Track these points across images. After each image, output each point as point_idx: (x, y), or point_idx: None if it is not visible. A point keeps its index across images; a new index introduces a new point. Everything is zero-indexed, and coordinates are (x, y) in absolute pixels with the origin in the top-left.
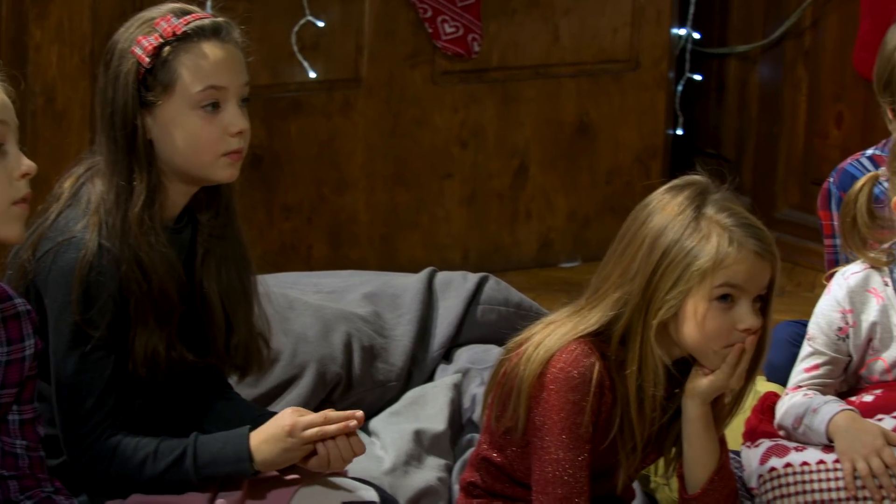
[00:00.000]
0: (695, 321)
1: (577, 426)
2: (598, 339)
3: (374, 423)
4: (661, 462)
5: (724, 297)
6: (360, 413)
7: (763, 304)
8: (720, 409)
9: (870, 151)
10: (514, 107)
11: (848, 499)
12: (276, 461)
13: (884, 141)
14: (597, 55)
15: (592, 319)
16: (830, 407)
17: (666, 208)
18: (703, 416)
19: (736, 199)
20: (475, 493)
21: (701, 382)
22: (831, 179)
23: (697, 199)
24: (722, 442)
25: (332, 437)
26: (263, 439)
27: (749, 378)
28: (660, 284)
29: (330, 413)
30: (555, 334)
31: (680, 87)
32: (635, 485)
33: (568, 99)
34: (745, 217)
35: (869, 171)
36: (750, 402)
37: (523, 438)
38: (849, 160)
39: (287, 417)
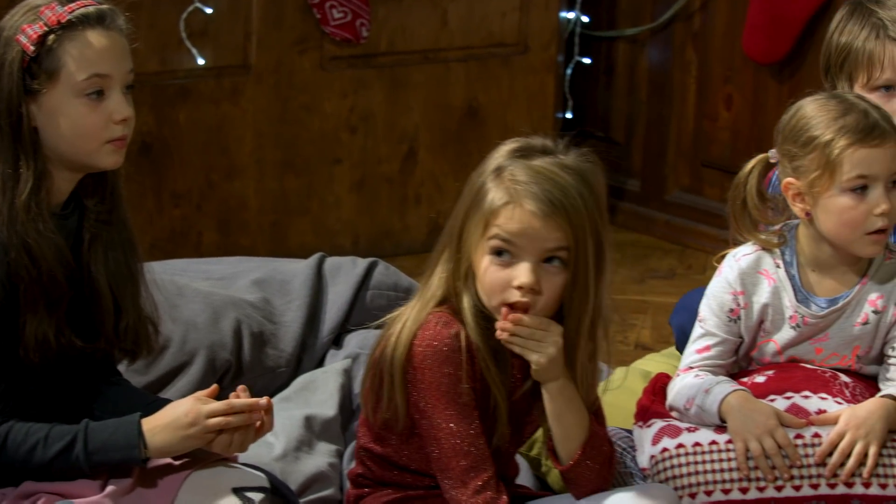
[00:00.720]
0: (479, 272)
1: (460, 396)
2: (453, 305)
3: None
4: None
5: (499, 252)
6: (263, 401)
7: (575, 267)
8: (582, 373)
9: None
10: (402, 92)
11: (740, 479)
12: (175, 448)
13: None
14: (485, 39)
15: (434, 285)
16: (722, 387)
17: (489, 161)
18: (560, 392)
19: (567, 167)
20: (364, 484)
21: (532, 366)
22: None
23: (515, 153)
24: (598, 411)
25: (237, 427)
26: (162, 426)
27: (591, 336)
28: (463, 237)
29: (235, 402)
30: (413, 313)
31: (569, 71)
32: (525, 468)
33: (457, 83)
34: (544, 178)
35: None
36: (642, 384)
37: (406, 426)
38: None
39: (189, 405)
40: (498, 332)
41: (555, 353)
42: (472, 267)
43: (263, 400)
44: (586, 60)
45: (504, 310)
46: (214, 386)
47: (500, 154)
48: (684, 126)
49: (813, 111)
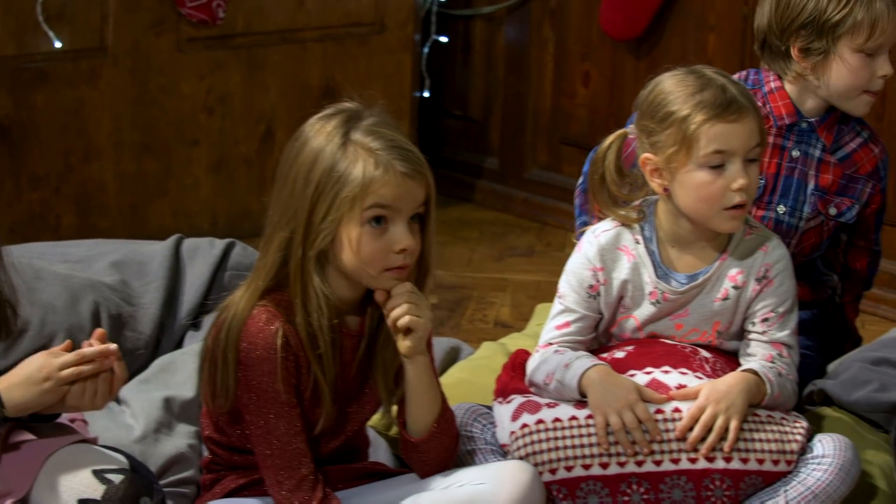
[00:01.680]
0: (350, 247)
1: (278, 394)
2: (281, 295)
3: (124, 391)
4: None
5: (377, 220)
6: (114, 346)
7: (422, 224)
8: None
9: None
10: (259, 72)
11: (601, 454)
12: (32, 404)
13: (745, 71)
14: (342, 19)
15: (267, 267)
16: (582, 362)
17: (316, 138)
18: (425, 370)
19: (389, 123)
20: (215, 469)
21: (407, 343)
22: None
23: (346, 125)
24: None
25: (89, 376)
26: (16, 383)
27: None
28: (315, 215)
29: (85, 351)
30: (243, 298)
31: (426, 50)
32: (384, 447)
33: (314, 63)
34: (394, 139)
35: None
36: (501, 359)
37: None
38: None
39: (42, 360)
40: (391, 303)
41: (431, 317)
42: (335, 246)
43: (113, 346)
44: (443, 39)
45: (390, 275)
46: (68, 341)
47: (324, 130)
48: (542, 104)
49: (671, 86)
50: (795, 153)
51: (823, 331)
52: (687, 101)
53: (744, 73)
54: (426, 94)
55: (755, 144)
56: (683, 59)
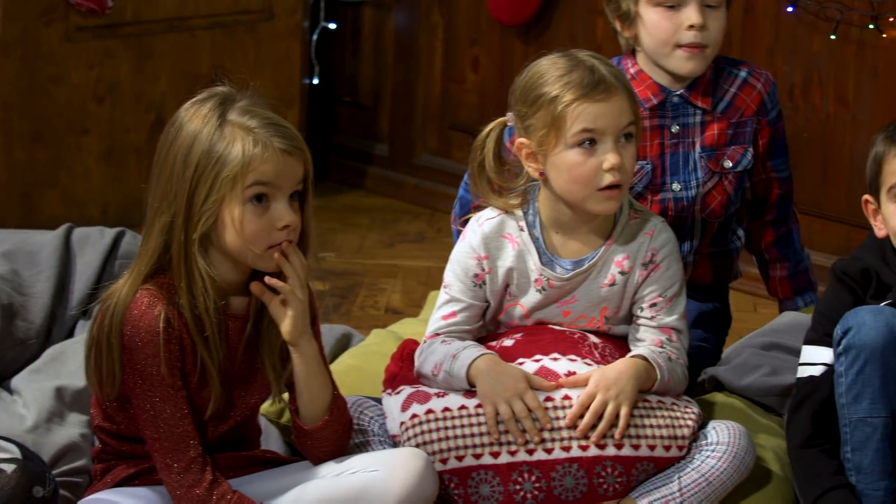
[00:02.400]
0: (234, 227)
1: (163, 378)
2: (165, 278)
3: (16, 381)
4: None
5: (258, 198)
6: None
7: (301, 202)
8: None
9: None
10: (149, 61)
11: (491, 443)
12: None
13: (613, 60)
14: (231, 6)
15: (149, 253)
16: (470, 352)
17: (192, 122)
18: (312, 357)
19: (262, 104)
20: (106, 459)
21: (285, 324)
22: None
23: (221, 107)
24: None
25: None
26: None
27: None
28: (196, 198)
29: None
30: (126, 283)
31: (315, 37)
32: (275, 435)
33: (203, 51)
34: (270, 117)
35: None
36: (392, 346)
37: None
38: None
39: None
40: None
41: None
42: (218, 227)
43: None
44: (332, 26)
45: (277, 254)
46: None
47: (199, 113)
48: (431, 89)
49: (542, 70)
50: (675, 128)
51: (722, 325)
52: (556, 82)
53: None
54: (315, 81)
55: (627, 123)
56: (572, 43)
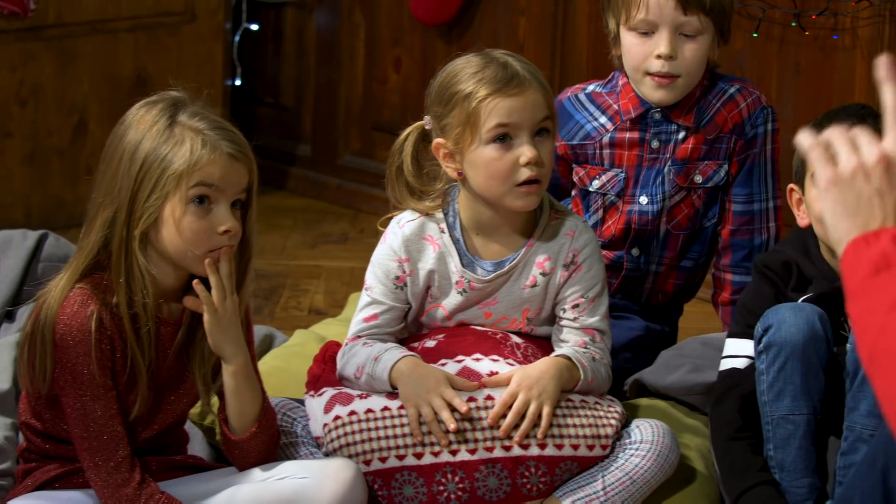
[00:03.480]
0: (174, 226)
1: (93, 377)
2: (101, 276)
3: None
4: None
5: (201, 200)
6: None
7: (244, 211)
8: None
9: (591, 87)
10: (71, 63)
11: (414, 444)
12: None
13: (609, 76)
14: (153, 8)
15: (88, 247)
16: (391, 354)
17: (142, 121)
18: (241, 370)
19: (212, 109)
20: (31, 459)
21: (207, 333)
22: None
23: (172, 108)
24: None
25: None
26: None
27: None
28: (140, 194)
29: None
30: (61, 280)
31: (237, 38)
32: (199, 437)
33: (125, 53)
34: (219, 122)
35: (587, 109)
36: (314, 346)
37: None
38: (569, 92)
39: None
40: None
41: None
42: (158, 226)
43: None
44: (254, 27)
45: (207, 261)
46: None
47: (150, 113)
48: (354, 90)
49: (456, 69)
50: (655, 143)
51: (656, 351)
52: (470, 79)
53: (609, 76)
54: (238, 83)
55: (542, 117)
56: (495, 42)
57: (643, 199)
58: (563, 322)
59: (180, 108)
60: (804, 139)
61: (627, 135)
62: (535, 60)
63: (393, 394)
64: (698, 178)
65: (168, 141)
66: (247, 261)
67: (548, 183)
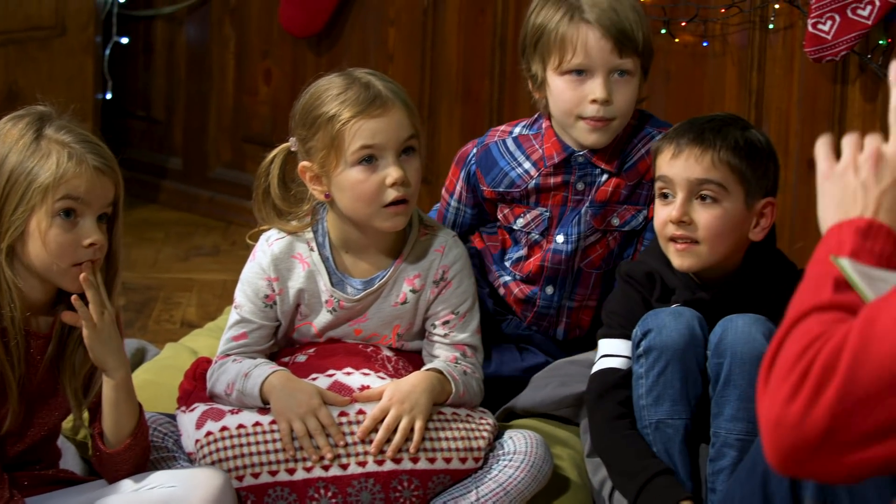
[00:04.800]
0: (40, 239)
1: None
2: None
3: None
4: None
5: (67, 213)
6: None
7: (110, 224)
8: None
9: (517, 129)
10: None
11: (287, 460)
12: None
13: (535, 116)
14: (23, 23)
15: None
16: (262, 370)
17: (8, 135)
18: (122, 380)
19: (79, 123)
20: None
21: (88, 347)
22: (475, 150)
23: (38, 122)
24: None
25: None
26: None
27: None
28: (6, 207)
29: None
30: None
31: (108, 51)
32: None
33: None
34: (86, 136)
35: (512, 154)
36: (187, 358)
37: None
38: (497, 135)
39: None
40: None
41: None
42: (24, 239)
43: None
44: (124, 40)
45: (82, 276)
46: None
47: (16, 127)
48: (224, 102)
49: (319, 91)
50: (580, 185)
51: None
52: (332, 101)
53: (534, 116)
54: (108, 96)
55: (407, 136)
56: (364, 54)
57: (559, 238)
58: (434, 338)
59: (47, 121)
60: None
61: (552, 179)
62: (404, 71)
63: (265, 409)
64: (616, 221)
65: (34, 154)
66: (114, 274)
67: (415, 202)
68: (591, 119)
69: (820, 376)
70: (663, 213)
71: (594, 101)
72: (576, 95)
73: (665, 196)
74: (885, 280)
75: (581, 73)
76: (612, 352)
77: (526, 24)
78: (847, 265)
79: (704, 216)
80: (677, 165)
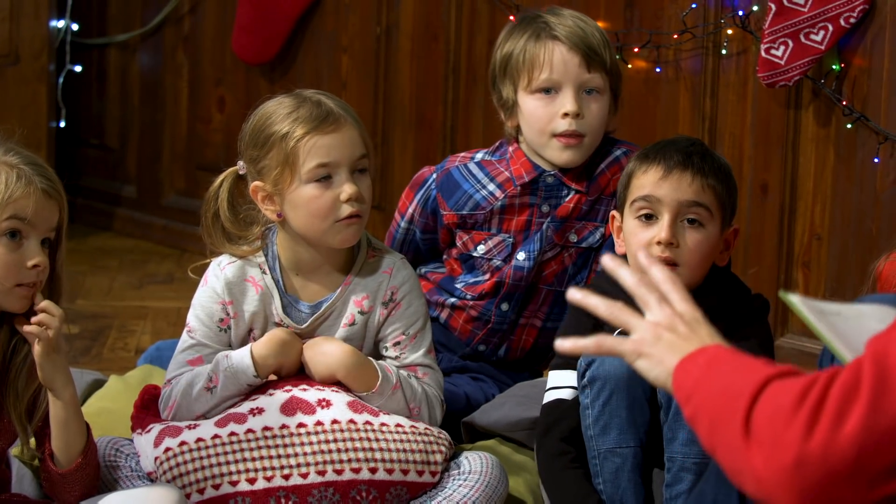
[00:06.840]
0: None
1: None
2: None
3: None
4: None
5: (13, 234)
6: None
7: (53, 250)
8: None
9: (479, 156)
10: None
11: (247, 470)
12: None
13: (496, 144)
14: None
15: None
16: (237, 351)
17: None
18: (70, 402)
19: (25, 148)
20: None
21: (39, 366)
22: (435, 175)
23: None
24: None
25: None
26: None
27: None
28: None
29: None
30: None
31: (61, 80)
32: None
33: None
34: (33, 158)
35: (476, 177)
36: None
37: None
38: (457, 161)
39: None
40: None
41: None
42: None
43: None
44: (77, 68)
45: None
46: None
47: None
48: (178, 130)
49: (269, 111)
50: (545, 208)
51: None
52: (284, 120)
53: (496, 144)
54: (62, 124)
55: (360, 155)
56: (317, 81)
57: (521, 256)
58: (387, 360)
59: None
60: (626, 277)
61: (518, 201)
62: (358, 97)
63: (221, 421)
64: (573, 237)
65: None
66: (56, 300)
67: (367, 219)
68: (563, 135)
69: (839, 406)
70: (647, 234)
71: (566, 114)
72: (547, 112)
73: (648, 217)
74: (839, 313)
75: (550, 91)
76: (559, 384)
77: (494, 56)
78: (797, 301)
79: (690, 239)
80: (666, 187)
